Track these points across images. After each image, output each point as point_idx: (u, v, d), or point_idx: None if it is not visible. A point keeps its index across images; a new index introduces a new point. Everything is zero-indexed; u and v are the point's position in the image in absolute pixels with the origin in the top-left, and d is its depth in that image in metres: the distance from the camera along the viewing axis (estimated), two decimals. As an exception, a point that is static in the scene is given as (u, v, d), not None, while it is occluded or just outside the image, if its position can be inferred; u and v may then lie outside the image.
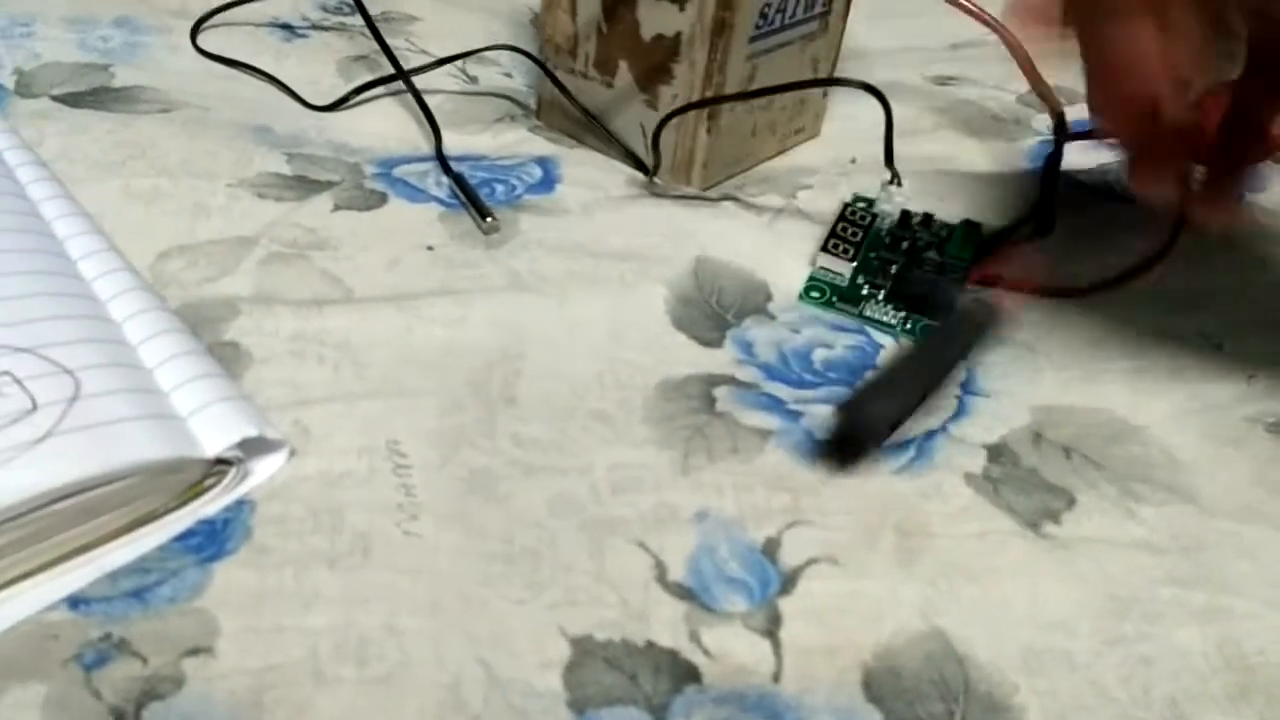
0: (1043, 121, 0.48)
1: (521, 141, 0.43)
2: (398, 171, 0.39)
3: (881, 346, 0.35)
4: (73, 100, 0.40)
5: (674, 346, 0.34)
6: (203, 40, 0.45)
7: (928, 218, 0.39)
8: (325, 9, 0.48)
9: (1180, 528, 0.30)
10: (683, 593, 0.27)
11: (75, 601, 0.25)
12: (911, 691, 0.26)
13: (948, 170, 0.44)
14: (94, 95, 0.41)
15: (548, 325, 0.34)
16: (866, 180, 0.42)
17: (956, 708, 0.26)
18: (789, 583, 0.28)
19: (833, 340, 0.35)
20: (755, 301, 0.37)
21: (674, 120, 0.41)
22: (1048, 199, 0.41)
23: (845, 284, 0.37)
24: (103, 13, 0.45)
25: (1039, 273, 0.38)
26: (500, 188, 0.39)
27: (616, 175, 0.42)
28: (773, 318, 0.36)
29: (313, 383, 0.31)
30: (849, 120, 0.47)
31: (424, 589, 0.26)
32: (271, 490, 0.28)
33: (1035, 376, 0.35)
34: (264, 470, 0.28)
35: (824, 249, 0.37)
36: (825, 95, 0.47)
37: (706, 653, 0.26)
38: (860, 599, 0.28)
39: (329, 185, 0.38)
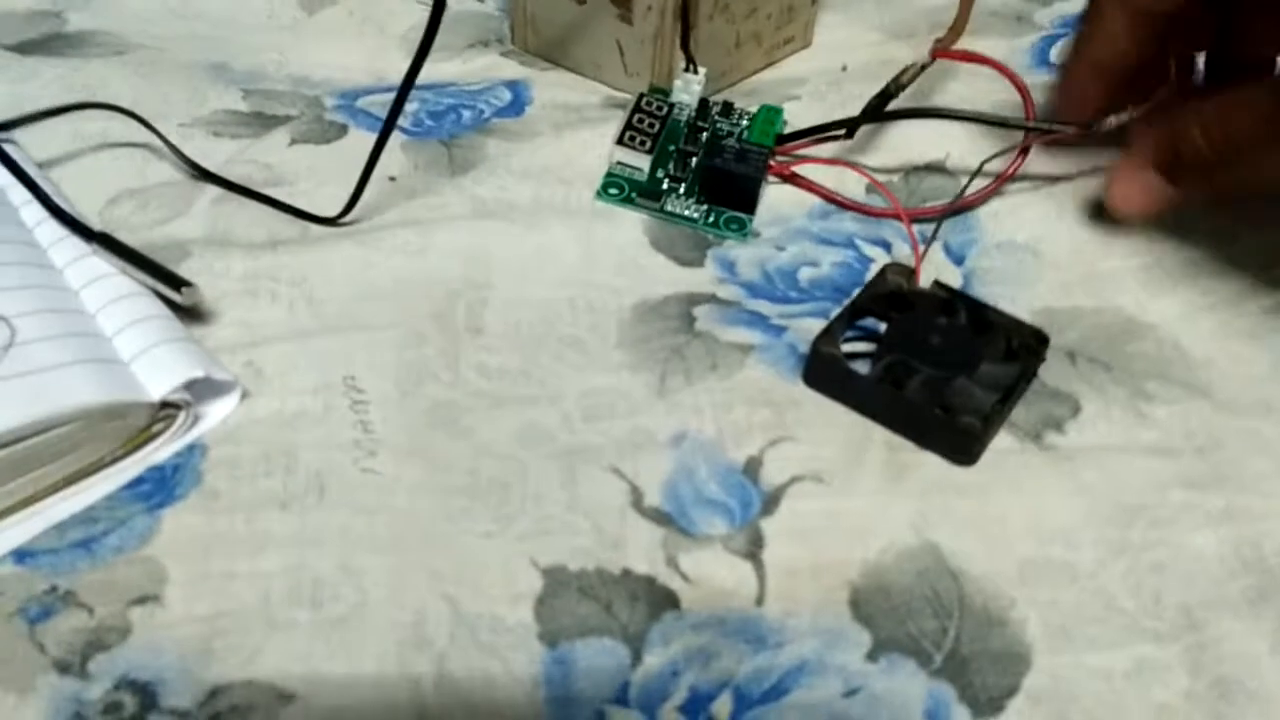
0: (1047, 16, 0.46)
1: (492, 67, 0.41)
2: (361, 103, 0.38)
3: (871, 261, 0.33)
4: (26, 48, 0.39)
5: (652, 268, 0.33)
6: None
7: (727, 106, 0.37)
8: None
9: (1195, 427, 0.28)
10: (660, 518, 0.26)
11: (21, 555, 0.24)
12: (902, 609, 0.24)
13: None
14: (46, 42, 0.39)
15: (515, 252, 0.32)
16: (858, 89, 0.40)
17: (950, 623, 0.24)
18: (771, 503, 0.26)
19: (819, 257, 0.33)
20: (737, 216, 0.35)
21: (650, 33, 0.39)
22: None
23: (644, 179, 0.35)
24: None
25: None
26: (467, 113, 0.38)
27: (591, 96, 0.40)
28: (756, 234, 0.34)
29: (266, 322, 0.29)
30: (841, 27, 0.45)
31: (382, 527, 0.25)
32: (223, 433, 0.27)
33: (1037, 278, 0.33)
34: (216, 413, 0.27)
35: (619, 142, 0.35)
36: (815, 2, 0.45)
37: (685, 578, 0.25)
38: (847, 517, 0.26)
39: (286, 119, 0.36)
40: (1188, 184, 0.31)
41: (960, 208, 0.35)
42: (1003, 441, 0.28)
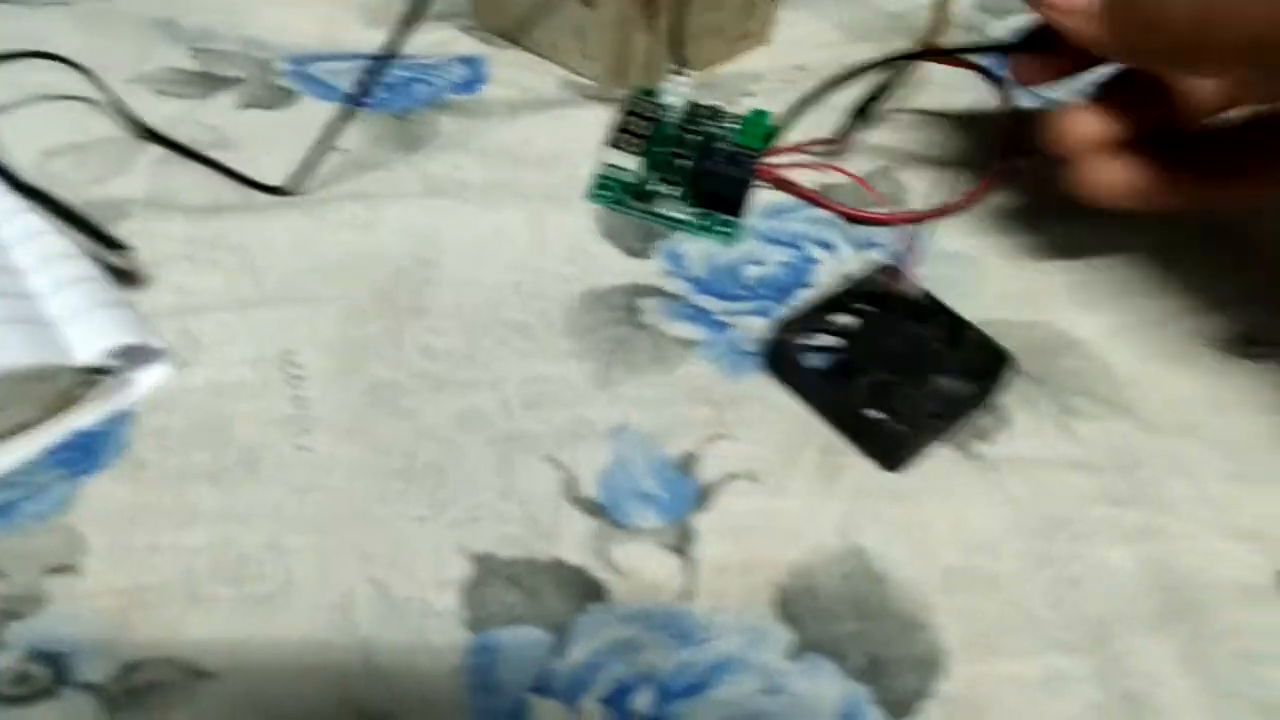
0: (1002, 29, 0.46)
1: (450, 41, 0.40)
2: (313, 69, 0.37)
3: (816, 261, 0.34)
4: (-34, -5, 0.38)
5: (600, 257, 0.33)
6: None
7: (716, 110, 0.37)
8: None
9: (1118, 445, 0.29)
10: (593, 509, 0.26)
11: (-64, 518, 0.23)
12: (826, 611, 0.25)
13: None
14: (-12, -13, 0.38)
15: (464, 233, 0.32)
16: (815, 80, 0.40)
17: (872, 626, 0.25)
18: (705, 499, 0.27)
19: (765, 256, 0.33)
20: (688, 210, 0.35)
21: (611, 18, 0.38)
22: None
23: (635, 180, 0.35)
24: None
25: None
26: (422, 87, 0.37)
27: (549, 77, 0.39)
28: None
29: (205, 289, 0.29)
30: (799, 26, 0.45)
31: (314, 506, 0.25)
32: (155, 402, 0.26)
33: (978, 289, 0.33)
34: (147, 381, 0.26)
35: (611, 144, 0.35)
36: (774, 0, 0.45)
37: (615, 570, 0.25)
38: (778, 516, 0.26)
39: (235, 82, 0.36)
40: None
41: (944, 212, 0.35)
42: (937, 450, 0.28)
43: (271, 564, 0.24)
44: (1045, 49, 0.31)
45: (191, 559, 0.23)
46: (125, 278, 0.28)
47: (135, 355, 0.26)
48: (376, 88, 0.37)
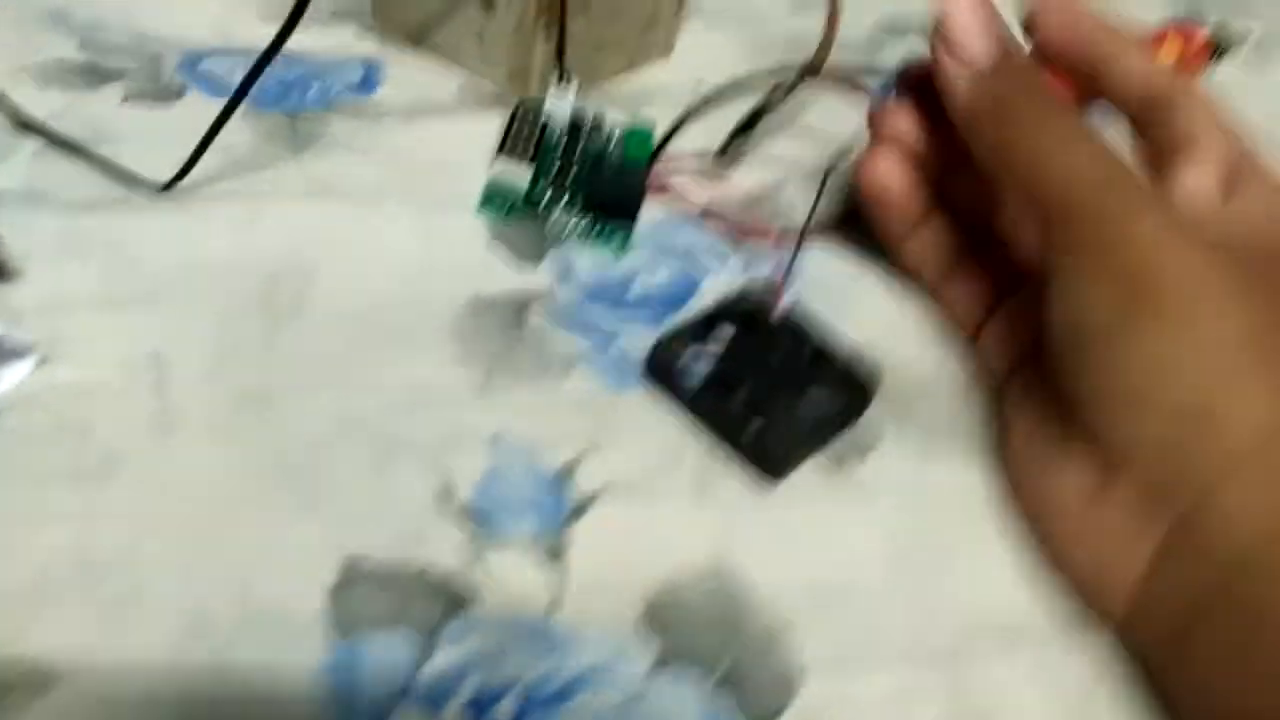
0: (897, 54, 0.47)
1: (349, 42, 0.40)
2: (204, 65, 0.37)
3: (705, 275, 0.34)
4: None
5: (490, 263, 0.33)
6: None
7: (600, 119, 0.38)
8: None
9: (973, 481, 0.30)
10: (468, 516, 0.26)
11: None
12: (691, 623, 0.25)
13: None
14: None
15: (348, 236, 0.32)
16: (712, 103, 0.41)
17: (734, 639, 0.25)
18: (579, 510, 0.27)
19: (654, 268, 0.34)
20: (580, 220, 0.35)
21: (512, 25, 0.39)
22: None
23: (526, 189, 0.35)
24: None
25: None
26: (315, 87, 0.37)
27: (447, 82, 0.39)
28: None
29: (75, 286, 0.28)
30: (701, 42, 0.46)
31: (175, 508, 0.25)
32: (15, 399, 0.25)
33: (852, 314, 0.34)
34: (9, 378, 0.26)
35: (500, 151, 0.35)
36: (679, 14, 0.45)
37: (486, 578, 0.25)
38: (650, 529, 0.27)
39: (121, 74, 0.35)
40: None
41: (824, 231, 0.36)
42: (808, 466, 0.29)
43: (128, 567, 0.23)
44: (910, 91, 0.32)
45: (46, 560, 0.23)
46: (-8, 273, 0.27)
47: (-3, 352, 0.25)
48: (267, 83, 0.36)
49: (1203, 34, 0.47)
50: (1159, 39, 0.45)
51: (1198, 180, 0.29)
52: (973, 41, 0.29)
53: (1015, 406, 0.30)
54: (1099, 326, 0.26)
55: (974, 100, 0.29)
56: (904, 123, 0.32)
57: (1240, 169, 0.29)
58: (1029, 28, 0.31)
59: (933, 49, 0.30)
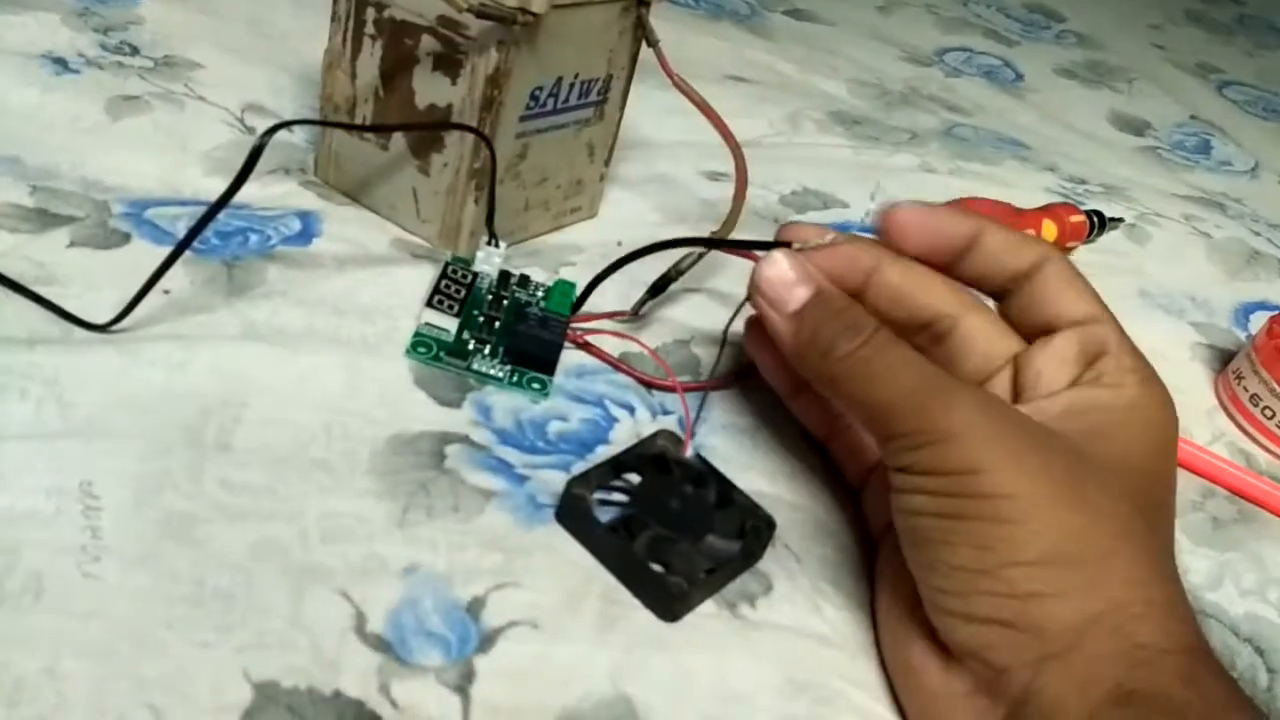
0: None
1: (290, 195, 0.43)
2: (149, 213, 0.39)
3: (616, 420, 0.36)
4: None
5: (412, 404, 0.35)
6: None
7: (524, 278, 0.41)
8: (104, 48, 0.48)
9: (855, 632, 0.31)
10: (379, 644, 0.27)
11: None
12: (590, 751, 0.26)
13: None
14: None
15: (277, 376, 0.34)
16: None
17: (631, 766, 0.26)
18: (487, 642, 0.28)
19: (569, 413, 0.36)
20: (500, 366, 0.37)
21: (445, 187, 0.42)
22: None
23: (451, 339, 0.38)
24: None
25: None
26: (255, 237, 0.39)
27: (381, 235, 0.42)
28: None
29: (10, 418, 0.29)
30: (623, 205, 0.49)
31: (96, 632, 0.25)
32: (-57, 525, 0.26)
33: (751, 464, 0.36)
34: (-61, 504, 0.27)
35: (429, 304, 0.38)
36: (603, 179, 0.49)
37: (394, 705, 0.26)
38: (555, 662, 0.28)
39: (69, 220, 0.37)
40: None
41: (726, 384, 0.39)
42: (706, 607, 0.31)
43: (47, 688, 0.24)
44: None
45: (-37, 682, 0.24)
46: (-71, 401, 0.29)
47: (-71, 478, 0.26)
48: (208, 232, 0.39)
49: (1079, 215, 0.52)
50: (1037, 218, 0.50)
51: (1047, 360, 0.32)
52: (783, 292, 0.32)
53: (885, 563, 0.32)
54: (927, 528, 0.28)
55: (794, 340, 0.32)
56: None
57: (1100, 344, 0.31)
58: (883, 233, 0.34)
59: (754, 302, 0.33)
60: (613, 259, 0.45)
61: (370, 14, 0.41)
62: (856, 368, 0.30)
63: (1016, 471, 0.27)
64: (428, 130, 0.41)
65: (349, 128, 0.41)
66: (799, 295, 0.32)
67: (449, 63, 0.40)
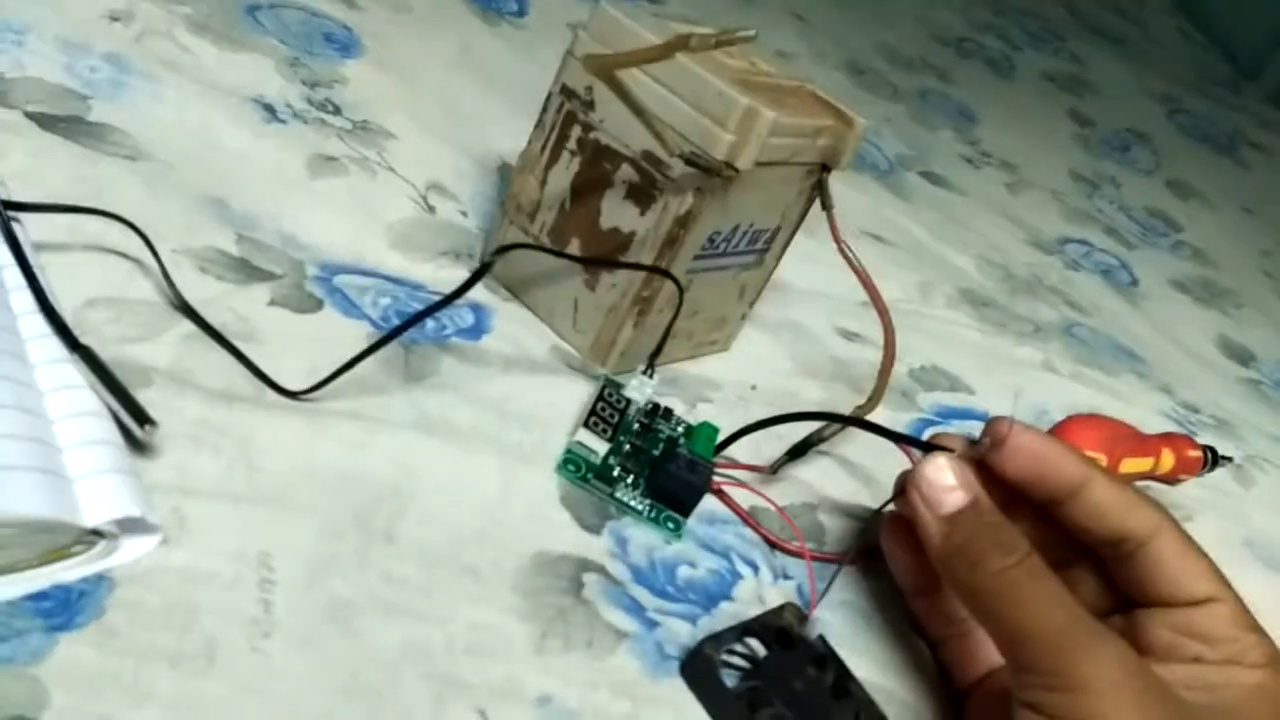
0: (927, 400, 0.53)
1: (459, 281, 0.44)
2: (338, 280, 0.40)
3: (740, 577, 0.37)
4: (45, 121, 0.40)
5: (557, 523, 0.36)
6: (184, 97, 0.46)
7: (668, 410, 0.42)
8: (310, 102, 0.50)
9: None
10: (507, 771, 0.28)
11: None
12: None
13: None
14: (66, 122, 0.41)
15: (443, 472, 0.35)
16: (760, 410, 0.45)
17: None
18: (607, 788, 0.29)
19: (698, 560, 0.37)
20: (639, 499, 0.38)
21: (608, 305, 0.43)
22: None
23: (599, 463, 0.38)
24: (99, 43, 0.46)
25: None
26: (431, 323, 0.41)
27: (543, 341, 0.44)
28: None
29: (203, 474, 0.31)
30: (758, 346, 0.51)
31: (258, 709, 0.26)
32: (134, 573, 0.28)
33: (865, 647, 0.37)
34: (132, 550, 0.28)
35: (584, 425, 0.39)
36: (744, 319, 0.50)
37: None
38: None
39: (270, 276, 0.39)
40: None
41: (852, 560, 0.40)
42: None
43: (211, 761, 0.25)
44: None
45: (138, 740, 0.25)
46: (137, 446, 0.30)
47: (129, 524, 0.28)
48: (390, 311, 0.40)
49: (1197, 450, 0.52)
50: (1158, 446, 0.51)
51: (1174, 631, 0.32)
52: (941, 494, 0.33)
53: None
54: None
55: (943, 544, 0.33)
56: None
57: (1229, 622, 0.31)
58: (990, 447, 0.34)
59: (909, 498, 0.34)
60: (748, 401, 0.46)
61: (576, 131, 0.43)
62: (1005, 588, 0.31)
63: None
64: (622, 268, 0.43)
65: (559, 255, 0.43)
66: (956, 499, 0.33)
67: (642, 195, 0.42)
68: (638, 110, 0.39)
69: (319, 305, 0.39)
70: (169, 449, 0.31)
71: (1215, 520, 0.53)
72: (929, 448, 0.35)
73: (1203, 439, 0.55)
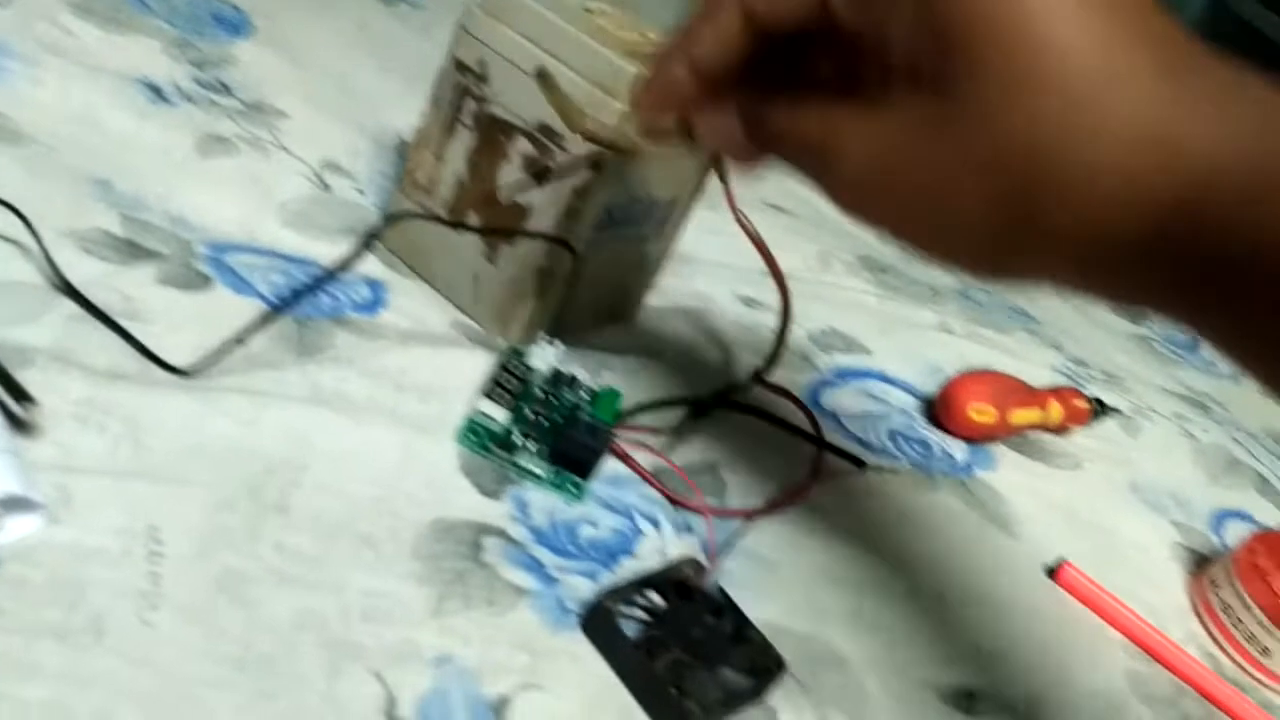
0: (826, 361, 0.54)
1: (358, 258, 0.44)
2: (229, 258, 0.40)
3: (642, 534, 0.38)
4: (-85, 110, 0.39)
5: (456, 490, 0.36)
6: (67, 80, 0.45)
7: (574, 379, 0.43)
8: (199, 83, 0.49)
9: None
10: (406, 732, 0.28)
11: None
12: None
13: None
14: (-61, 108, 0.40)
15: (338, 444, 0.35)
16: (664, 378, 0.46)
17: None
18: (509, 741, 0.29)
19: (599, 519, 0.38)
20: (540, 465, 0.39)
21: (508, 278, 0.43)
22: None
23: (500, 431, 0.39)
24: (-25, 28, 0.45)
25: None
26: (326, 299, 0.41)
27: (443, 315, 0.44)
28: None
29: (88, 452, 0.31)
30: (663, 318, 0.51)
31: (148, 681, 0.26)
32: (18, 551, 0.27)
33: (770, 595, 0.38)
34: (16, 529, 0.28)
35: (486, 395, 0.39)
36: (647, 288, 0.51)
37: (415, 796, 0.27)
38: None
39: (156, 255, 0.38)
40: None
41: (751, 515, 0.41)
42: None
43: (99, 732, 0.25)
44: None
45: (27, 713, 0.24)
46: (18, 425, 0.29)
47: (12, 503, 0.27)
48: (282, 287, 0.40)
49: (1084, 401, 0.55)
50: (1045, 397, 0.53)
51: None
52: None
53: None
54: None
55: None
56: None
57: None
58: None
59: (646, 103, 0.31)
60: (652, 370, 0.47)
61: (470, 105, 0.43)
62: None
63: None
64: (522, 236, 0.43)
65: (453, 225, 0.43)
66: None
67: (539, 168, 0.42)
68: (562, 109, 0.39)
69: (208, 283, 0.38)
70: (52, 428, 0.30)
71: (1103, 467, 0.55)
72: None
73: (1092, 392, 0.57)
